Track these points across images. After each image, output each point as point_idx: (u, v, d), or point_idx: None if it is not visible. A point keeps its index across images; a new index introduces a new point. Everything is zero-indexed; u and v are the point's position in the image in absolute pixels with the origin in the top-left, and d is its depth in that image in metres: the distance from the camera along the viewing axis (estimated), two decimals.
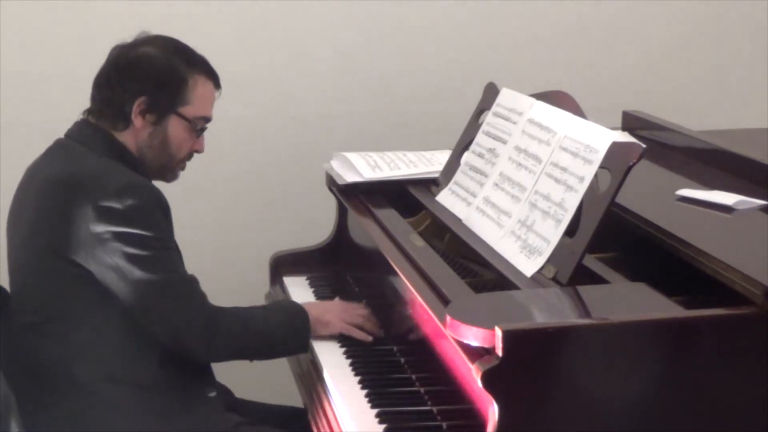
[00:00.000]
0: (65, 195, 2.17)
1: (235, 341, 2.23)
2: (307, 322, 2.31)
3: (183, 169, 2.38)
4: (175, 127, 2.28)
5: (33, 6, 3.13)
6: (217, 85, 2.35)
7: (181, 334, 2.18)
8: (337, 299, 2.54)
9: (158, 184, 2.35)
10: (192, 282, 2.22)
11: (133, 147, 2.28)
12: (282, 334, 2.30)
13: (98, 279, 2.15)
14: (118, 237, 2.13)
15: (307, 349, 2.33)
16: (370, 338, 2.36)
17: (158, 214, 2.19)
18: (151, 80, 2.25)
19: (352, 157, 2.69)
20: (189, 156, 2.37)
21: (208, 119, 2.34)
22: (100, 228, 2.13)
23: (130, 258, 2.13)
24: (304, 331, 2.31)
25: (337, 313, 2.39)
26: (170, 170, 2.36)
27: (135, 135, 2.27)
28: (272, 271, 2.83)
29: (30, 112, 3.15)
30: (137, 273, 2.14)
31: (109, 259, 2.14)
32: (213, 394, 2.29)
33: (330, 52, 3.34)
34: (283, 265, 2.82)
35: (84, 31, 3.14)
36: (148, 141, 2.28)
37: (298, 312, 2.33)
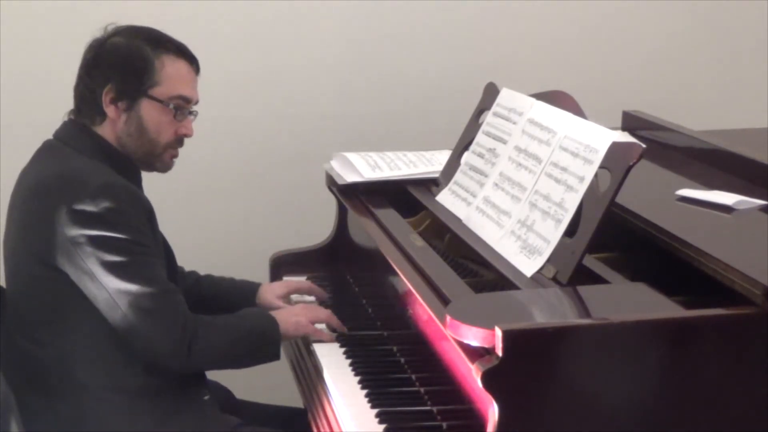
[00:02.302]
0: (43, 199, 2.14)
1: (212, 352, 2.19)
2: (277, 328, 2.27)
3: (175, 156, 2.32)
4: (148, 111, 2.23)
5: (33, 6, 3.13)
6: (191, 64, 2.29)
7: (156, 348, 2.13)
8: (299, 304, 2.52)
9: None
10: (168, 293, 2.15)
11: (114, 139, 2.24)
12: (254, 341, 2.26)
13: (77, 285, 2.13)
14: (93, 241, 2.09)
15: (279, 356, 2.29)
16: (334, 337, 2.38)
17: (137, 216, 2.14)
18: (116, 67, 2.22)
19: (352, 157, 2.69)
20: (178, 141, 2.30)
21: (186, 99, 2.27)
22: (75, 232, 2.09)
23: (105, 264, 2.09)
24: (274, 337, 2.26)
25: (303, 313, 2.36)
26: (157, 157, 2.29)
27: (113, 125, 2.23)
28: (272, 271, 2.83)
29: (30, 113, 3.15)
30: (111, 281, 2.10)
31: (83, 263, 2.10)
32: (207, 397, 2.27)
33: (330, 52, 3.34)
34: (283, 265, 2.82)
35: (84, 32, 3.13)
36: (125, 129, 2.23)
37: (267, 319, 2.29)
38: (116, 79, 2.21)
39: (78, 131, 2.25)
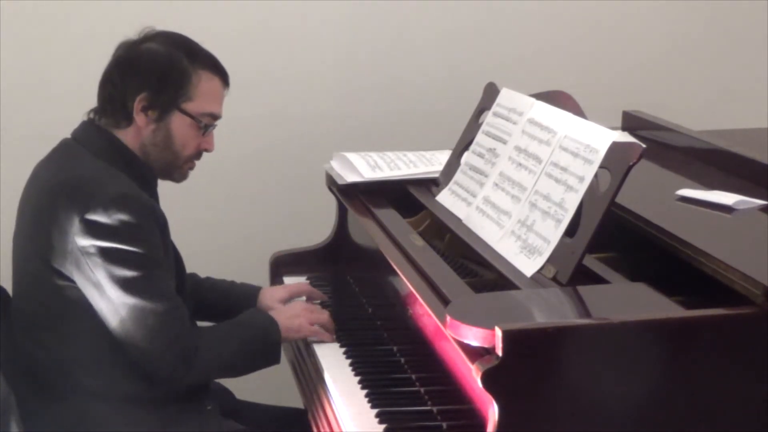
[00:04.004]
0: (55, 203, 2.12)
1: (212, 366, 2.19)
2: (278, 333, 2.26)
3: (192, 168, 2.32)
4: (178, 124, 2.22)
5: (33, 6, 3.13)
6: (224, 81, 2.28)
7: (154, 365, 2.12)
8: (298, 300, 2.51)
9: (159, 183, 2.35)
10: (173, 310, 2.12)
11: (136, 145, 2.22)
12: (255, 349, 2.25)
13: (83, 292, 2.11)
14: (103, 253, 2.07)
15: (279, 360, 2.28)
16: (334, 338, 2.36)
17: (150, 229, 2.12)
18: (153, 76, 2.19)
19: (352, 157, 2.69)
20: (198, 155, 2.30)
21: (215, 116, 2.27)
22: (86, 242, 2.07)
23: (113, 277, 2.07)
24: (276, 343, 2.26)
25: (304, 314, 2.35)
26: (177, 169, 2.28)
27: (138, 132, 2.21)
28: (272, 271, 2.83)
29: (30, 113, 3.15)
30: (118, 294, 2.08)
31: (91, 274, 2.08)
32: (210, 407, 2.26)
33: (330, 52, 3.34)
34: (283, 265, 2.82)
35: (85, 31, 3.14)
36: (151, 138, 2.22)
37: (271, 324, 2.27)
38: (152, 88, 2.19)
39: (98, 134, 2.23)
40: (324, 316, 2.39)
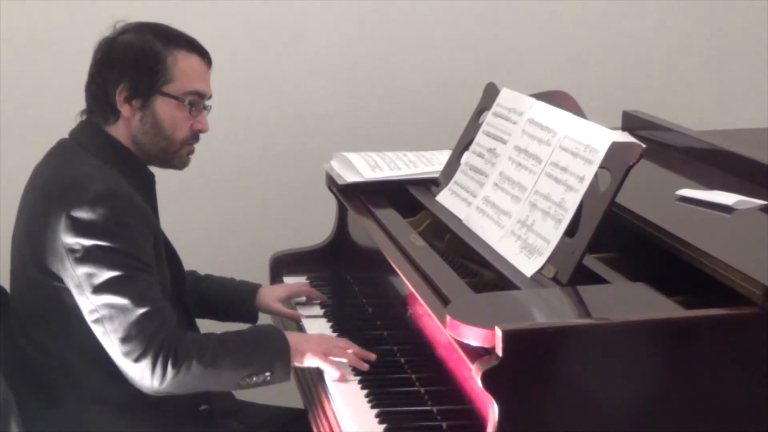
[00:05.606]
0: (48, 203, 2.11)
1: (193, 376, 2.07)
2: (287, 351, 2.16)
3: (191, 153, 2.28)
4: (163, 108, 2.20)
5: (33, 6, 3.13)
6: (203, 57, 2.26)
7: (127, 368, 2.06)
8: (319, 333, 2.38)
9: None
10: (152, 314, 2.05)
11: (128, 138, 2.21)
12: (257, 365, 2.13)
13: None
14: (86, 250, 2.05)
15: (288, 378, 2.19)
16: (338, 373, 2.19)
17: (136, 227, 2.09)
18: (128, 65, 2.19)
19: (352, 157, 2.69)
20: (193, 137, 2.27)
21: (200, 94, 2.24)
22: (71, 239, 2.05)
23: (93, 275, 2.05)
24: (283, 360, 2.15)
25: (315, 343, 2.23)
26: (174, 154, 2.25)
27: (127, 125, 2.20)
28: (272, 271, 2.83)
29: (30, 112, 3.15)
30: (96, 293, 2.05)
31: (73, 272, 2.06)
32: (204, 407, 2.24)
33: (330, 51, 3.34)
34: (283, 265, 2.82)
35: (85, 31, 3.13)
36: (140, 127, 2.20)
37: (279, 341, 2.17)
38: (129, 77, 2.19)
39: (92, 132, 2.22)
40: (336, 351, 2.22)
